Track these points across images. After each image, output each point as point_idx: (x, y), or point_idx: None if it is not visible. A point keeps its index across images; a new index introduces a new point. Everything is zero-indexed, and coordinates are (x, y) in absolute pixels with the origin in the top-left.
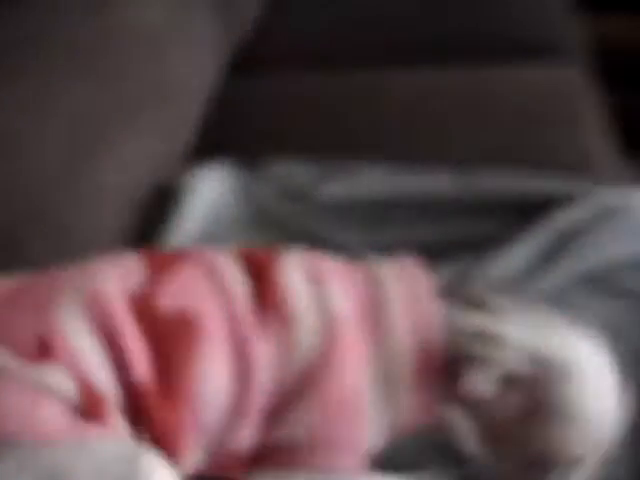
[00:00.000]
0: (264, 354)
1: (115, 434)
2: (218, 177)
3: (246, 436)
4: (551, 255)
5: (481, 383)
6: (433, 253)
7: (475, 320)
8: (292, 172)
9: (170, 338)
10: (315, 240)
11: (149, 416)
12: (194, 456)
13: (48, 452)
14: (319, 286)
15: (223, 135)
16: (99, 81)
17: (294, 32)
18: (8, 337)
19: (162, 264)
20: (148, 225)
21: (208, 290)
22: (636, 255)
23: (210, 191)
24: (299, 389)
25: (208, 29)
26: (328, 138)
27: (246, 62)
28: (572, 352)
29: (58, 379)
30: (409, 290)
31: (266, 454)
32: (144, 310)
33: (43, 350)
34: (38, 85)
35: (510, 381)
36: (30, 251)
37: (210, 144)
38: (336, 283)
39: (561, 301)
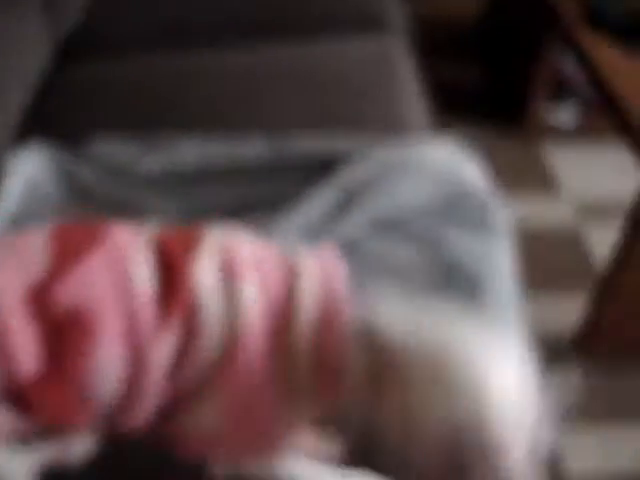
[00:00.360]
0: (162, 348)
1: None
2: (37, 157)
3: (140, 417)
4: (342, 207)
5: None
6: (242, 213)
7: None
8: (113, 150)
9: (63, 333)
10: (135, 212)
11: (36, 401)
12: (90, 429)
13: None
14: (231, 281)
15: (51, 119)
16: None
17: (118, 20)
18: None
19: (70, 248)
20: None
21: (110, 284)
22: (423, 203)
23: (29, 170)
24: (201, 385)
25: (35, 15)
26: (151, 117)
27: (76, 47)
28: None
29: None
30: (323, 286)
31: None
32: (41, 304)
33: None
34: None
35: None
36: None
37: (37, 128)
38: (250, 278)
39: (354, 249)
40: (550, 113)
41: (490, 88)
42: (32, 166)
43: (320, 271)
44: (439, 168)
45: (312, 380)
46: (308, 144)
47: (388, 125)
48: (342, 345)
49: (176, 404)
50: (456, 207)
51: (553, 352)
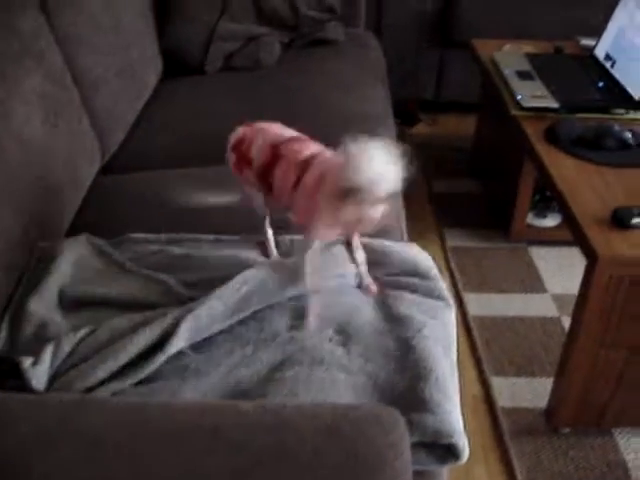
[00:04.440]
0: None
1: None
2: (83, 241)
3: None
4: None
5: None
6: None
7: None
8: (147, 239)
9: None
10: (156, 282)
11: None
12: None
13: None
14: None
15: (93, 217)
16: None
17: (150, 144)
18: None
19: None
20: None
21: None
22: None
23: (77, 248)
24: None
25: (86, 139)
26: (170, 218)
27: (115, 164)
28: None
29: None
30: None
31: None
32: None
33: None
34: None
35: None
36: None
37: (83, 223)
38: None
39: None
40: (535, 219)
41: (483, 200)
42: (79, 246)
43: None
44: (401, 254)
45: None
46: None
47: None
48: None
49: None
50: (410, 280)
51: (527, 422)
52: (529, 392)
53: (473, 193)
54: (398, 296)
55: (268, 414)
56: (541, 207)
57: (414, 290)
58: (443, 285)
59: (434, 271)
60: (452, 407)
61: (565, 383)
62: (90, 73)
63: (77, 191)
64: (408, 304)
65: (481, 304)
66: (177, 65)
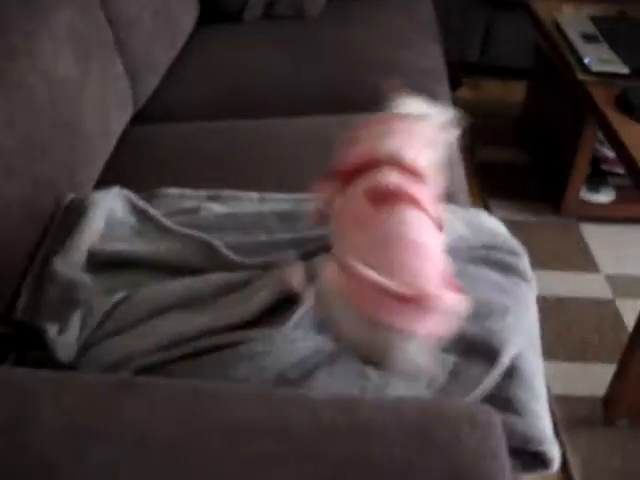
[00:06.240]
0: None
1: None
2: (114, 195)
3: None
4: None
5: None
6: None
7: None
8: (184, 195)
9: None
10: (199, 243)
11: None
12: None
13: None
14: None
15: (124, 169)
16: (10, 118)
17: (185, 93)
18: None
19: None
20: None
21: None
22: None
23: (109, 203)
24: None
25: (119, 84)
26: (209, 173)
27: (147, 113)
28: None
29: None
30: None
31: None
32: None
33: None
34: None
35: None
36: None
37: (113, 176)
38: None
39: None
40: (587, 194)
41: (531, 171)
42: (111, 199)
43: None
44: (476, 223)
45: None
46: None
47: None
48: None
49: None
50: (490, 254)
51: (581, 412)
52: (582, 379)
53: (519, 163)
54: (476, 275)
55: (343, 413)
56: (594, 181)
57: (494, 265)
58: (527, 260)
59: (515, 243)
60: (540, 409)
61: (628, 372)
62: (124, 12)
63: (107, 140)
64: (487, 285)
65: None
66: (214, 11)
